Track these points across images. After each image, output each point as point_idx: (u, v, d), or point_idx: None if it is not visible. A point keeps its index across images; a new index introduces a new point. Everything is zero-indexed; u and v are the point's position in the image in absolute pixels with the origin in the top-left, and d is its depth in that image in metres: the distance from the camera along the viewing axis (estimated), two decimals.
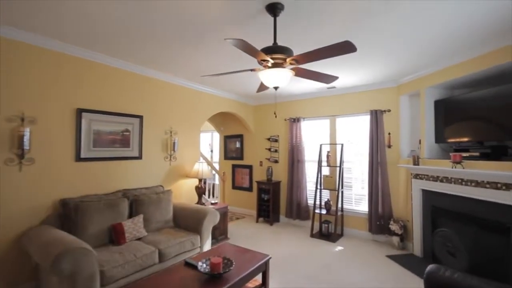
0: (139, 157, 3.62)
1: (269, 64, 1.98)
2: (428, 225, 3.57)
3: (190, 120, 4.43)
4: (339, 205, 4.56)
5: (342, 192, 4.61)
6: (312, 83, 4.34)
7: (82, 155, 3.05)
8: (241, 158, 6.24)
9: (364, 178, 4.67)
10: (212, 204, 4.32)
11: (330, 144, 4.90)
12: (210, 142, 8.62)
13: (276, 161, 5.62)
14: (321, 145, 4.84)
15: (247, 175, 6.13)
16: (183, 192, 4.30)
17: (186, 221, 3.39)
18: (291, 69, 2.10)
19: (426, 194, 3.62)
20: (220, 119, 6.52)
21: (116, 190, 3.30)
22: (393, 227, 3.95)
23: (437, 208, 3.46)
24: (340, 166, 4.54)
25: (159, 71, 3.79)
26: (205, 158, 5.52)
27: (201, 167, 4.11)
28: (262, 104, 5.90)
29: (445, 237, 3.10)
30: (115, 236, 2.78)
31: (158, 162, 3.89)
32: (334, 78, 2.30)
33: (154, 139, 3.84)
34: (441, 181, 3.32)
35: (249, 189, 6.07)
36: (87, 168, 3.09)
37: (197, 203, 4.14)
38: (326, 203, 4.64)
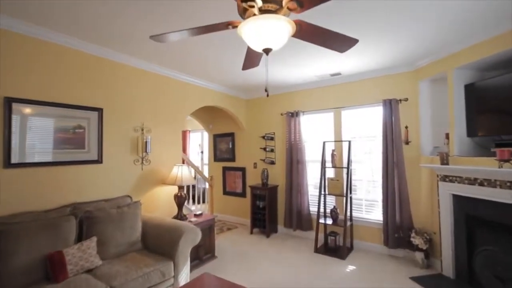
0: (99, 161, 2.86)
1: (256, 11, 1.26)
2: (462, 239, 2.86)
3: (167, 115, 3.67)
4: (348, 214, 3.84)
5: (350, 198, 3.88)
6: (313, 69, 3.62)
7: (14, 160, 2.29)
8: (233, 159, 5.49)
9: (376, 180, 3.96)
10: (195, 216, 3.58)
11: (335, 141, 4.18)
12: (200, 142, 7.87)
13: (272, 163, 4.89)
14: (324, 143, 4.13)
15: (239, 178, 5.39)
16: (160, 202, 3.54)
17: (159, 242, 2.64)
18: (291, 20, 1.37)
19: (459, 200, 2.91)
20: (209, 116, 5.78)
21: (63, 205, 2.53)
22: (416, 240, 3.23)
23: (474, 218, 2.76)
24: (348, 167, 3.80)
25: (123, 53, 3.04)
26: (188, 161, 4.77)
27: (180, 171, 3.37)
28: (255, 98, 5.17)
29: (492, 258, 2.40)
30: (51, 269, 2.02)
31: (125, 166, 3.13)
32: (353, 41, 1.58)
33: (119, 138, 3.08)
34: (481, 184, 2.62)
35: (242, 194, 5.32)
36: (21, 177, 2.33)
37: (176, 215, 3.39)
38: (332, 211, 3.91)
